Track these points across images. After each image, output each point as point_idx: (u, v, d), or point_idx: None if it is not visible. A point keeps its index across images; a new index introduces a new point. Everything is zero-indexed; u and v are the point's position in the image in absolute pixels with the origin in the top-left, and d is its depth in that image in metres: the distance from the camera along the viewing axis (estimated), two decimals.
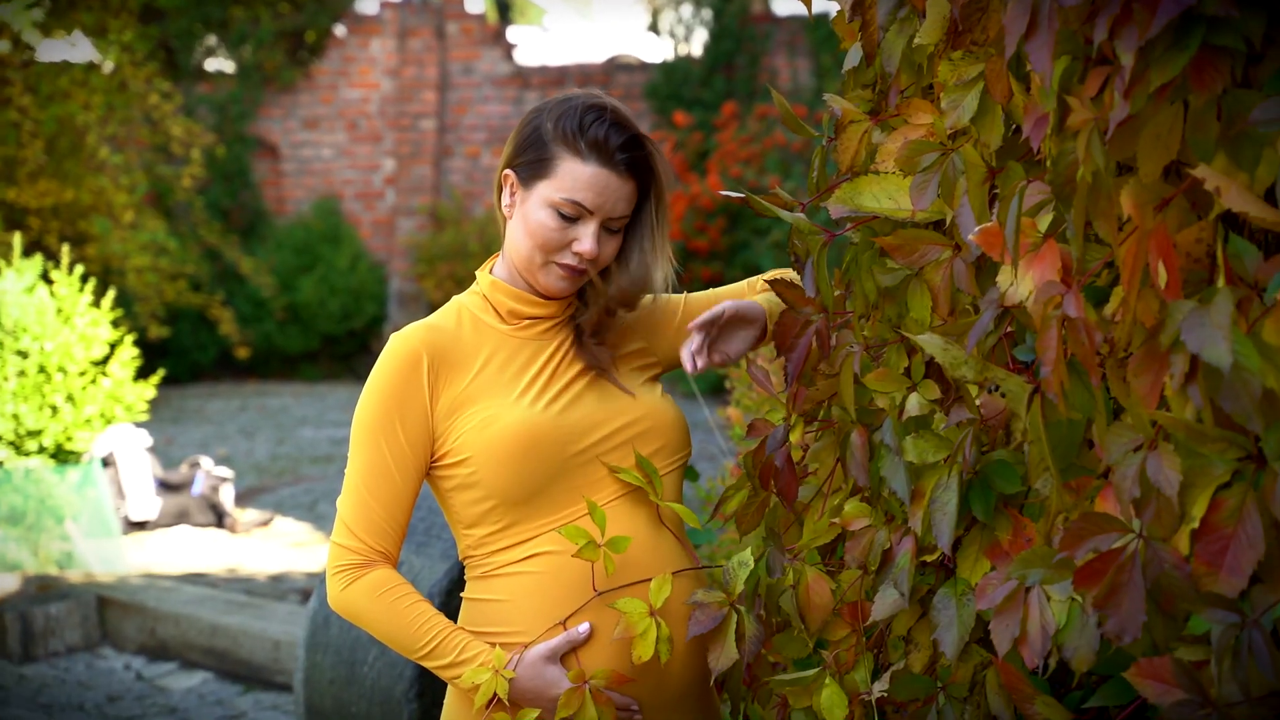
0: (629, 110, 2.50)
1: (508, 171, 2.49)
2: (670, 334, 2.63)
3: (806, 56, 14.41)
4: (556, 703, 2.35)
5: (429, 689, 4.19)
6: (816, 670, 2.17)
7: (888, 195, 2.08)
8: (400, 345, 2.46)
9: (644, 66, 15.39)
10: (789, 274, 2.47)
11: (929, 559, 2.03)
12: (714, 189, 12.93)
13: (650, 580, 2.40)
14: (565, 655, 2.39)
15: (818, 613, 2.22)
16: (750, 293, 2.66)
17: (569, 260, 2.45)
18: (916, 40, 1.96)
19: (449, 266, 14.91)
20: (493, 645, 2.40)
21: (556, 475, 2.43)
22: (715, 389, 10.68)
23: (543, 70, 15.74)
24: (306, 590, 7.44)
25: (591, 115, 2.43)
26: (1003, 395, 1.88)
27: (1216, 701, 1.45)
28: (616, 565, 2.38)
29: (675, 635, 2.40)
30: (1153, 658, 1.54)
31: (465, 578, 2.54)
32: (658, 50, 21.11)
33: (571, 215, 2.43)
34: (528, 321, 2.53)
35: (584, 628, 2.39)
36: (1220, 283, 1.48)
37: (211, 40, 16.00)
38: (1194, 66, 1.44)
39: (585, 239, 2.44)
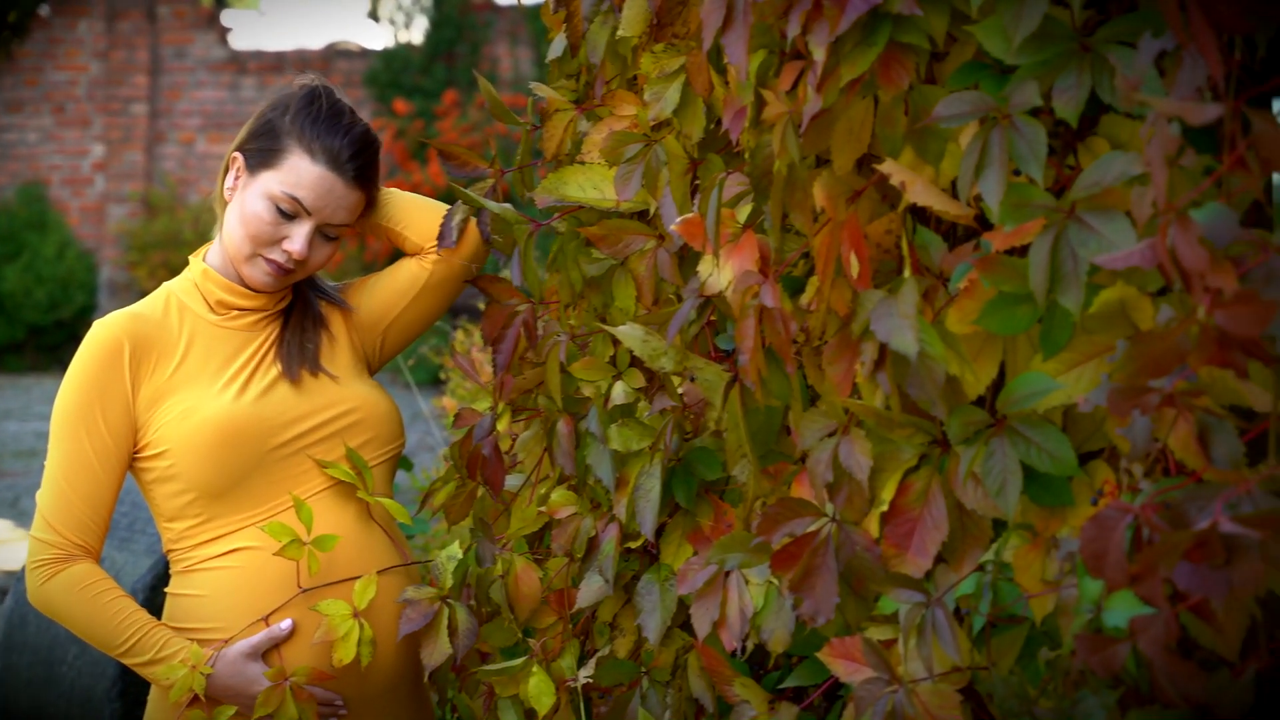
0: (369, 124, 2.43)
1: (236, 153, 2.43)
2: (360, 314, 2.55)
3: (528, 46, 14.43)
4: (256, 700, 2.31)
5: (132, 688, 4.06)
6: (524, 659, 2.18)
7: (593, 185, 2.09)
8: (101, 333, 2.38)
9: (364, 53, 15.18)
10: None
11: (633, 545, 2.05)
12: (435, 178, 12.85)
13: (357, 579, 2.36)
14: (267, 652, 2.34)
15: (526, 601, 2.23)
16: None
17: (277, 257, 2.39)
18: (619, 32, 1.97)
19: (162, 255, 14.49)
20: (194, 641, 2.34)
21: (257, 468, 2.37)
22: (433, 380, 10.61)
23: (259, 55, 15.38)
24: (5, 589, 7.16)
25: (333, 119, 2.38)
26: None
27: (903, 678, 1.50)
28: (322, 563, 2.34)
29: (383, 633, 2.37)
30: (844, 637, 1.58)
31: (169, 572, 2.47)
32: (378, 37, 20.93)
33: (289, 211, 2.37)
34: (236, 313, 2.46)
35: (286, 624, 2.35)
36: (907, 273, 1.53)
37: None
38: (882, 63, 1.48)
39: (297, 239, 2.37)
